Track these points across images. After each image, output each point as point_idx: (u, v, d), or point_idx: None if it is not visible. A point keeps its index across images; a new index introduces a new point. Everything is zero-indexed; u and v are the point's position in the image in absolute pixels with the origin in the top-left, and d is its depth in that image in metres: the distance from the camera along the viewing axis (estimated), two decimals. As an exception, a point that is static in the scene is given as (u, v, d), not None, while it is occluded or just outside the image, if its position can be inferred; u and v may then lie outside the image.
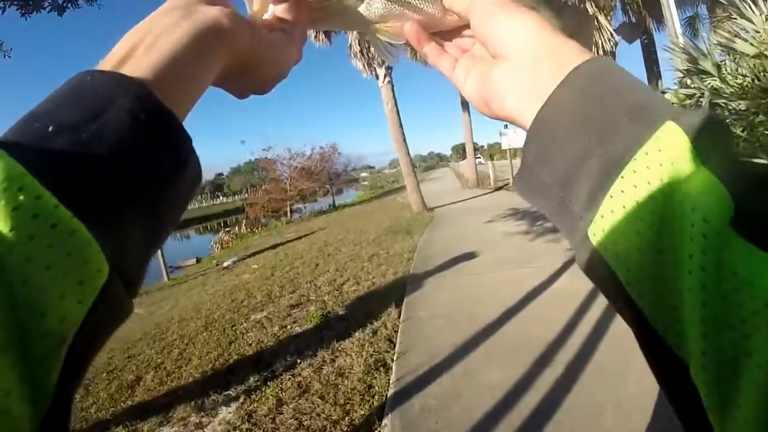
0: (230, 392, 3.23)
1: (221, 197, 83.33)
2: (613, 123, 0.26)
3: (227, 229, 18.74)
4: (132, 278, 0.25)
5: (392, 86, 12.32)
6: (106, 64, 0.27)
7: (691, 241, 0.22)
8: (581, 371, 2.75)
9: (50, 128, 0.23)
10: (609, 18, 9.86)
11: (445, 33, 0.42)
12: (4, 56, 4.77)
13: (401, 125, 12.51)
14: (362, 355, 3.41)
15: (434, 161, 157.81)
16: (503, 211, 9.64)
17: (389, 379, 3.02)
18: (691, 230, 0.22)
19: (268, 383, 3.24)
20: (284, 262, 7.95)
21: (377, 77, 12.33)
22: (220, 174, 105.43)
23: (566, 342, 3.14)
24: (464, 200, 14.02)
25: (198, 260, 11.99)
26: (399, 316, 4.12)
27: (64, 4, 4.59)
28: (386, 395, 2.85)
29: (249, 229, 17.97)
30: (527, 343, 3.20)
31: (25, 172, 0.21)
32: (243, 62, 0.34)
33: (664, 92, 5.31)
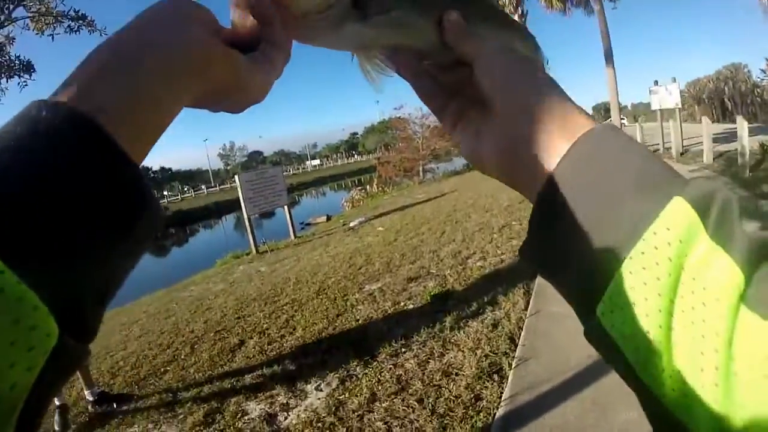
0: (325, 373, 2.99)
1: (356, 156, 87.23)
2: (620, 198, 0.26)
3: (359, 187, 19.18)
4: (88, 326, 0.24)
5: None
6: (67, 91, 0.24)
7: (704, 323, 0.22)
8: None
9: None
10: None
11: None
12: (101, 35, 4.99)
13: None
14: (476, 354, 2.88)
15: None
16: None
17: (501, 393, 2.46)
18: (703, 310, 0.22)
19: (367, 370, 2.92)
20: (410, 227, 7.62)
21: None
22: (355, 133, 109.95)
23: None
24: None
25: (328, 218, 12.36)
26: (526, 308, 3.46)
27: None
28: (494, 414, 2.31)
29: (380, 188, 18.13)
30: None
31: None
32: (217, 89, 0.31)
33: None
